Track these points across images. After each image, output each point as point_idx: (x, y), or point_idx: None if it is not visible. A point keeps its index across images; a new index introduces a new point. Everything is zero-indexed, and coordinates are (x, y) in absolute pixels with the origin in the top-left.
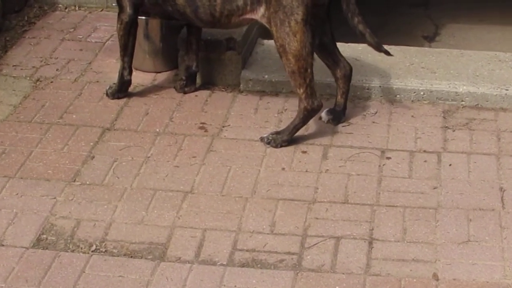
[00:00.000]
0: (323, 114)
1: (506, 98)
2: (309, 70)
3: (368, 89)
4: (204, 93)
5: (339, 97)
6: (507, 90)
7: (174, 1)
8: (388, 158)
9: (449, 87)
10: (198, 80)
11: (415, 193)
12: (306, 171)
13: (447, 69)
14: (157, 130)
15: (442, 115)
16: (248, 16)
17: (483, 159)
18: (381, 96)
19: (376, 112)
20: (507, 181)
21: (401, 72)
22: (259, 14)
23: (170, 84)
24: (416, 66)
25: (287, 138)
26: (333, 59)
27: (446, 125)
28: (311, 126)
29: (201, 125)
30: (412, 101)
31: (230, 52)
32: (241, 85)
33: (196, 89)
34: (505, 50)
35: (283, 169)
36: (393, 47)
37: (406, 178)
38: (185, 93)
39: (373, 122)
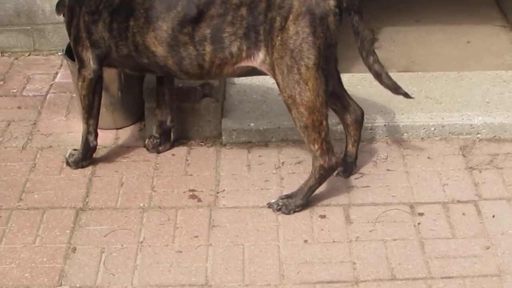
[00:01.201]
0: None
1: None
2: (324, 123)
3: (371, 129)
4: (181, 151)
5: (350, 146)
6: None
7: (152, 53)
8: (421, 214)
9: (462, 119)
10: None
11: (468, 258)
12: (334, 241)
13: (453, 97)
14: (141, 205)
15: (460, 152)
16: (244, 64)
17: None
18: (386, 136)
19: (387, 157)
20: None
21: (403, 105)
22: (257, 60)
23: (138, 143)
24: (417, 95)
25: (302, 203)
26: (342, 103)
27: (470, 166)
28: None
29: (191, 193)
30: (422, 138)
31: (206, 100)
32: (223, 137)
33: (171, 147)
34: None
35: (306, 241)
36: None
37: (451, 239)
38: (159, 152)
39: (388, 170)
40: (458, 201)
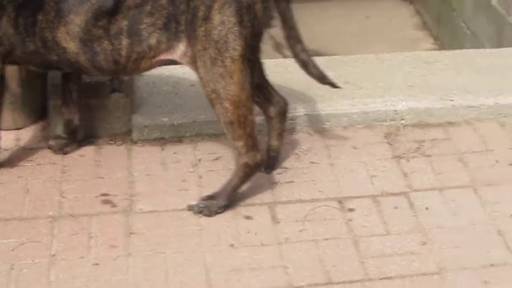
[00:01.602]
0: None
1: (453, 110)
2: (250, 118)
3: (291, 119)
4: (89, 151)
5: (273, 139)
6: (451, 100)
7: (63, 49)
8: (351, 210)
9: (386, 105)
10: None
11: (405, 255)
12: (262, 244)
13: (374, 82)
14: (51, 213)
15: (385, 140)
16: (163, 57)
17: (460, 194)
18: (307, 126)
19: (310, 149)
20: (501, 220)
21: (323, 92)
22: (178, 53)
23: (42, 144)
24: (337, 81)
25: (225, 204)
26: (265, 95)
27: (397, 154)
28: None
29: (103, 197)
30: (345, 127)
31: (115, 95)
32: (133, 134)
33: (78, 147)
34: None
35: (232, 245)
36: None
37: (385, 235)
38: (65, 153)
39: (312, 163)
40: (389, 194)
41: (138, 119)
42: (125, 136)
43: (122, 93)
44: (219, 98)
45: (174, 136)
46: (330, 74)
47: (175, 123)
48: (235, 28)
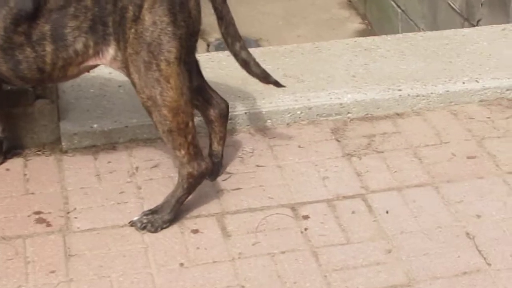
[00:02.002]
0: None
1: (401, 101)
2: (190, 124)
3: (231, 118)
4: (16, 164)
5: (215, 144)
6: (399, 90)
7: None
8: (306, 217)
9: (330, 98)
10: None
11: (371, 266)
12: (214, 261)
13: (315, 73)
14: None
15: (333, 137)
16: (91, 62)
17: (420, 194)
18: (248, 126)
19: (253, 150)
20: (467, 221)
21: (261, 87)
22: (107, 57)
23: None
24: (275, 74)
25: (170, 218)
26: (204, 96)
27: (347, 152)
28: None
29: (37, 216)
30: (288, 124)
31: (39, 102)
32: (62, 143)
33: (3, 160)
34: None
35: (182, 264)
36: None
37: (346, 244)
38: None
39: (258, 166)
40: (344, 197)
41: (66, 127)
42: (54, 145)
43: (46, 99)
44: (156, 105)
45: (106, 143)
46: (267, 68)
47: (106, 129)
48: (169, 29)
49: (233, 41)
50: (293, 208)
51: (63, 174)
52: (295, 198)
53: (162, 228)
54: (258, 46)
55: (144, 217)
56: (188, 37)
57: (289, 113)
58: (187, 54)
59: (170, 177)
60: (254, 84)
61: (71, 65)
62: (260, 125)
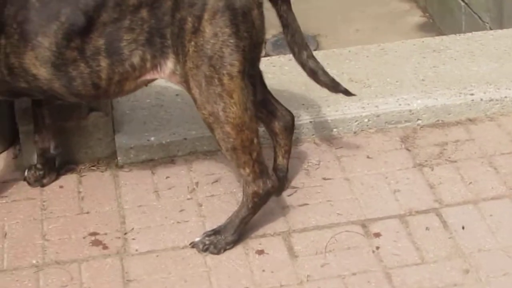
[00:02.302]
0: None
1: (473, 106)
2: (255, 141)
3: (295, 128)
4: (70, 181)
5: (280, 158)
6: (472, 95)
7: (33, 76)
8: (377, 235)
9: (399, 104)
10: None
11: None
12: (281, 285)
13: (381, 78)
14: (34, 261)
15: (403, 145)
16: (149, 76)
17: (498, 207)
18: (313, 135)
19: (319, 162)
20: None
21: (326, 93)
22: (166, 71)
23: (15, 175)
24: (339, 79)
25: (234, 239)
26: (268, 108)
27: (418, 162)
28: None
29: (92, 237)
30: (355, 132)
31: (93, 115)
32: (118, 158)
33: (57, 177)
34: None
35: None
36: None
37: (421, 264)
38: (43, 186)
39: (324, 179)
40: (417, 212)
41: (122, 140)
42: (109, 160)
43: (100, 111)
44: (218, 122)
45: (164, 156)
46: (331, 72)
47: (164, 141)
48: (231, 40)
49: (300, 49)
50: (363, 225)
51: (120, 190)
52: (365, 214)
53: (225, 250)
54: (316, 42)
55: (206, 238)
56: (252, 49)
57: (356, 121)
58: (251, 67)
59: (232, 192)
60: (318, 91)
61: (128, 79)
62: (325, 134)
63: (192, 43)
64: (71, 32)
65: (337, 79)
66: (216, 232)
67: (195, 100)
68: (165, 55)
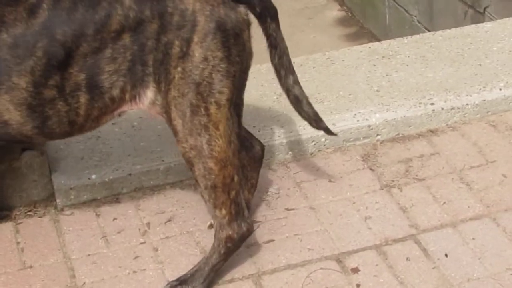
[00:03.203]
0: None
1: (434, 116)
2: (236, 179)
3: None
4: (6, 229)
5: (245, 192)
6: (432, 104)
7: (3, 122)
8: (355, 270)
9: (357, 120)
10: None
11: None
12: None
13: (333, 91)
14: None
15: (365, 165)
16: (126, 108)
17: (479, 229)
18: (267, 160)
19: (279, 190)
20: None
21: (277, 112)
22: (145, 102)
23: None
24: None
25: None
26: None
27: (385, 183)
28: (207, 245)
29: None
30: (312, 153)
31: (27, 154)
32: (57, 200)
33: None
34: None
35: None
36: None
37: None
38: None
39: (287, 210)
40: (393, 241)
41: (60, 180)
42: (47, 203)
43: (34, 150)
44: (201, 156)
45: (108, 195)
46: (276, 87)
47: (107, 179)
48: (222, 65)
49: (287, 74)
50: (338, 260)
51: (63, 238)
52: (338, 247)
53: None
54: None
55: None
56: (241, 75)
57: (313, 141)
58: (237, 95)
59: (189, 232)
60: (268, 110)
61: (106, 113)
62: (281, 158)
63: (179, 69)
64: (50, 68)
65: (282, 94)
66: (182, 282)
67: (176, 133)
68: (145, 84)
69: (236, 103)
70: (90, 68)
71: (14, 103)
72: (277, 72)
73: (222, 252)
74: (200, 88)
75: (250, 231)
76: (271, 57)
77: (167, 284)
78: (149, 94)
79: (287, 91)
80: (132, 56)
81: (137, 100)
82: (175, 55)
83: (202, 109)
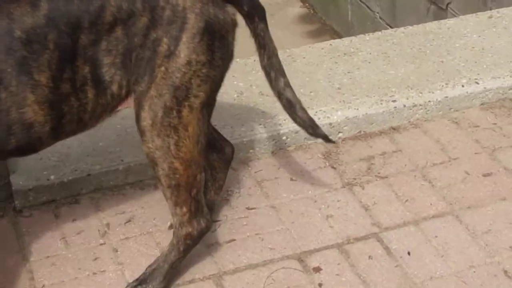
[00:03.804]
0: None
1: (396, 113)
2: (198, 177)
3: None
4: None
5: (212, 193)
6: (394, 101)
7: (28, 126)
8: (317, 269)
9: (318, 118)
10: None
11: None
12: None
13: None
14: None
15: (327, 163)
16: (123, 106)
17: (441, 226)
18: None
19: (240, 189)
20: (501, 255)
21: (238, 110)
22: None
23: None
24: (248, 92)
25: (163, 286)
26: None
27: (347, 181)
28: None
29: None
30: (273, 152)
31: None
32: (16, 201)
33: None
34: None
35: None
36: None
37: None
38: None
39: (248, 209)
40: (355, 239)
41: (18, 181)
42: (5, 204)
43: None
44: (166, 157)
45: (67, 196)
46: (239, 85)
47: (66, 179)
48: (203, 70)
49: (277, 75)
50: (300, 259)
51: (22, 240)
52: (300, 246)
53: None
54: None
55: None
56: (220, 77)
57: (274, 139)
58: (212, 96)
59: (149, 232)
60: (229, 109)
61: (106, 111)
62: (241, 156)
63: (162, 68)
64: (62, 61)
65: (246, 92)
66: (141, 281)
67: (142, 133)
68: (139, 80)
69: (209, 103)
70: (91, 60)
71: (38, 102)
72: (267, 74)
73: (181, 249)
74: (177, 92)
75: (208, 227)
76: (260, 58)
77: (127, 285)
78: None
79: (279, 94)
80: (123, 50)
81: (132, 96)
82: (162, 53)
83: (174, 112)
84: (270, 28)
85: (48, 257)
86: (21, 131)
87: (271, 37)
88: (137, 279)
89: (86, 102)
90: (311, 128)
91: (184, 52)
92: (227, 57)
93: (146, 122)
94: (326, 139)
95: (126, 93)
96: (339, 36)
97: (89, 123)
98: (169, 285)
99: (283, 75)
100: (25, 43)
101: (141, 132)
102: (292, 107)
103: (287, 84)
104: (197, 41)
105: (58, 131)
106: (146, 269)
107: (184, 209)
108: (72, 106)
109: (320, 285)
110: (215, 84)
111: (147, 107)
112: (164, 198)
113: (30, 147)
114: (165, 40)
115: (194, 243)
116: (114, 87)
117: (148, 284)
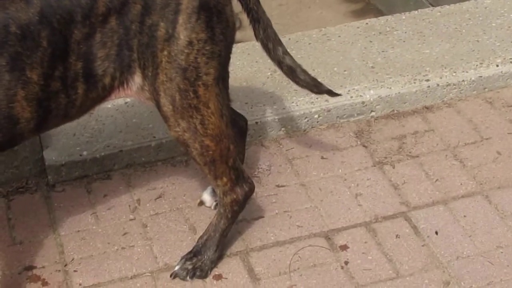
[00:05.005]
0: (206, 196)
1: (429, 92)
2: (231, 147)
3: None
4: None
5: None
6: (427, 80)
7: (15, 122)
8: (344, 247)
9: (351, 97)
10: None
11: None
12: None
13: (327, 67)
14: None
15: (358, 142)
16: (114, 95)
17: (470, 206)
18: (259, 137)
19: (270, 167)
20: None
21: (269, 88)
22: (133, 88)
23: None
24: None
25: (217, 256)
26: None
27: (378, 159)
28: (196, 222)
29: (29, 272)
30: (305, 130)
31: None
32: (49, 176)
33: None
34: None
35: None
36: None
37: (395, 279)
38: None
39: (278, 186)
40: (384, 218)
41: (51, 157)
42: (39, 179)
43: None
44: (196, 137)
45: (99, 172)
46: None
47: (98, 155)
48: (207, 48)
49: (275, 45)
50: (327, 237)
51: (54, 214)
52: (327, 224)
53: (211, 270)
54: (239, 19)
55: (188, 263)
56: (227, 51)
57: (306, 117)
58: (224, 69)
59: (178, 209)
60: (261, 87)
61: (96, 103)
62: (273, 134)
63: (165, 52)
64: (54, 58)
65: (279, 71)
66: (196, 253)
67: (166, 118)
68: (132, 70)
69: (223, 77)
70: (85, 55)
71: (27, 99)
72: (265, 46)
73: (229, 216)
74: (187, 73)
75: (252, 190)
76: (255, 32)
77: (182, 258)
78: (137, 80)
79: (279, 63)
80: (119, 40)
81: (125, 86)
82: (161, 37)
83: (190, 93)
84: (314, 8)
85: (78, 231)
86: (7, 126)
87: (263, 9)
88: (191, 252)
89: (75, 98)
90: (315, 87)
91: (183, 33)
92: (228, 31)
93: (166, 107)
94: (331, 93)
95: (119, 83)
96: (383, 16)
97: (75, 116)
98: (222, 254)
99: (280, 44)
100: (20, 39)
101: (165, 118)
102: (293, 72)
103: (285, 52)
104: (194, 20)
105: (41, 126)
106: (198, 241)
107: (225, 179)
108: (61, 103)
109: (346, 263)
110: (223, 58)
111: (163, 93)
112: (197, 174)
113: (10, 143)
114: (162, 24)
115: (240, 208)
116: (107, 80)
117: (203, 255)
